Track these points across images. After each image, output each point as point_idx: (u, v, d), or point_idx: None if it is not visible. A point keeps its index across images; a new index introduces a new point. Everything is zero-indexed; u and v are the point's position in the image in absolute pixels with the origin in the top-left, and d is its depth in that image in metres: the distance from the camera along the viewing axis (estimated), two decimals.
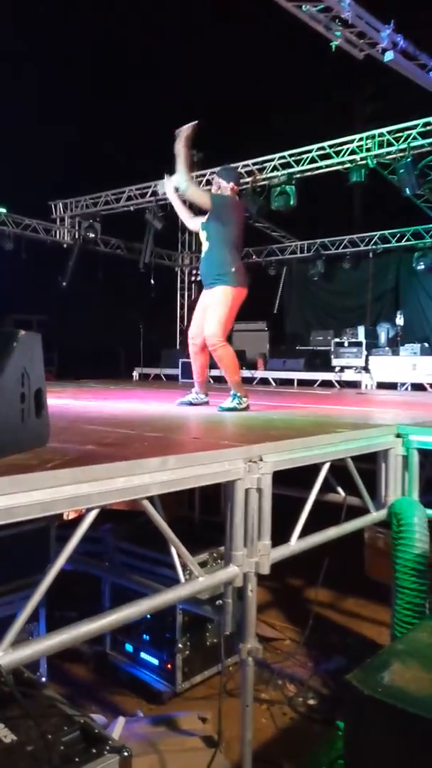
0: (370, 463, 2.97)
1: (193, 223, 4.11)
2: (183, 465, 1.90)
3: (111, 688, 3.17)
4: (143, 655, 3.21)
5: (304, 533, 2.43)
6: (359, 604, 4.13)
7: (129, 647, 3.27)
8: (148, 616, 3.03)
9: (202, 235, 3.97)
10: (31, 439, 1.87)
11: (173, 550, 2.06)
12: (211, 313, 3.83)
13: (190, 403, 4.06)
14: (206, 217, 3.93)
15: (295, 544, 2.40)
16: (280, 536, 2.27)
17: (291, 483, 2.74)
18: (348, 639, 3.69)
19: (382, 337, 9.21)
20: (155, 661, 3.15)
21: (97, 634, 1.79)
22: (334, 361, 9.07)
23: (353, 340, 9.06)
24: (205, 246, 3.95)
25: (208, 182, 9.06)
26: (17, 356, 1.75)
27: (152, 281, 10.84)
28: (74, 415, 3.38)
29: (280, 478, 2.23)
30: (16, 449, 1.76)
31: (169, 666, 3.08)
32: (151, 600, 1.92)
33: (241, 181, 9.07)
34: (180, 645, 3.04)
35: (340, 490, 2.95)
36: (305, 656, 3.47)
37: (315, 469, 2.55)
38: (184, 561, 2.07)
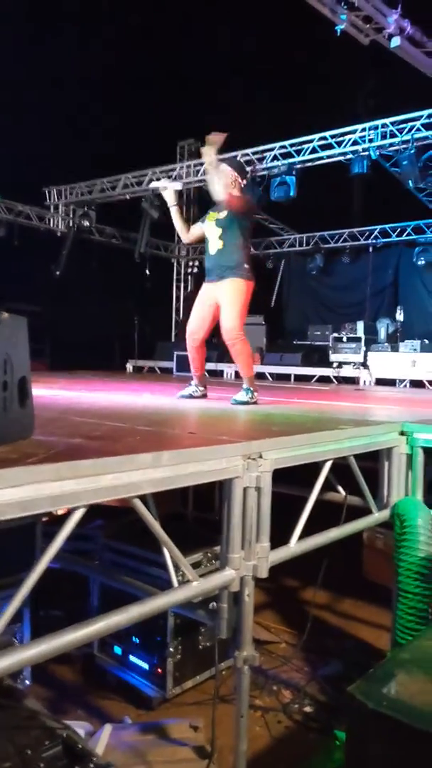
0: (370, 462, 2.84)
1: (189, 235, 4.01)
2: (178, 461, 1.76)
3: (98, 692, 3.04)
4: (132, 658, 3.08)
5: (303, 534, 2.30)
6: (357, 606, 4.01)
7: (118, 650, 3.14)
8: None
9: (215, 233, 3.80)
10: (14, 430, 1.73)
11: (166, 552, 1.93)
12: (229, 306, 3.73)
13: (191, 396, 3.94)
14: (224, 214, 3.77)
15: (295, 545, 2.27)
16: (276, 536, 2.14)
17: (287, 481, 2.61)
18: (346, 643, 3.57)
19: (382, 333, 9.09)
20: (145, 665, 3.02)
21: (84, 642, 1.66)
22: (332, 357, 8.94)
23: (352, 335, 8.94)
24: (217, 243, 3.78)
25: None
26: None
27: (147, 272, 10.65)
28: (64, 405, 3.23)
29: (276, 475, 2.10)
30: None
31: (159, 670, 2.95)
32: (141, 606, 1.78)
33: None
34: (171, 649, 2.91)
35: (340, 489, 2.83)
36: (301, 660, 3.35)
37: (314, 466, 2.42)
38: (177, 563, 1.93)
